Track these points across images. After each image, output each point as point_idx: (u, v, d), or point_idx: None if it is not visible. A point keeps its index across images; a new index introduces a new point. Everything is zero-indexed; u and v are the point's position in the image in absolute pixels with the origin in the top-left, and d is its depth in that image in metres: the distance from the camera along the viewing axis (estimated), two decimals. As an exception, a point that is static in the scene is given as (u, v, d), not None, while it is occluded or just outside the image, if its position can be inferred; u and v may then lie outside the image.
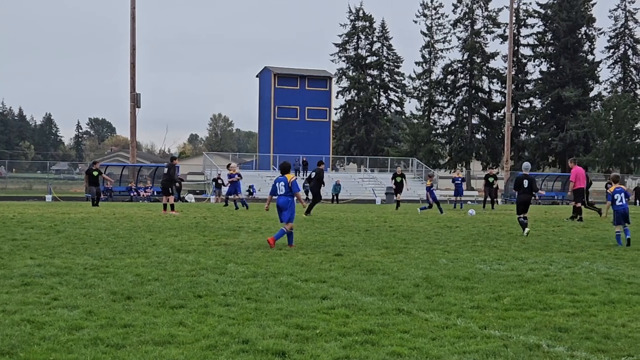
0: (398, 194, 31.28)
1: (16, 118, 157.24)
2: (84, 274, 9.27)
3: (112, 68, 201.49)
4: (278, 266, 10.37)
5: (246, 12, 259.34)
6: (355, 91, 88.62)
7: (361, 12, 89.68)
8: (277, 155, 62.50)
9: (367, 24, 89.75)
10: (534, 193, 17.11)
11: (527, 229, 16.87)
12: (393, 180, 31.60)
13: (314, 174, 25.34)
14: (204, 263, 10.63)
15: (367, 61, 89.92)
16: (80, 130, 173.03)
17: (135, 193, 48.27)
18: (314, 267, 10.31)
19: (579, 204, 22.99)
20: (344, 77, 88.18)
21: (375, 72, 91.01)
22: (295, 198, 13.40)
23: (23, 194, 53.30)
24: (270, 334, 6.04)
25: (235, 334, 6.03)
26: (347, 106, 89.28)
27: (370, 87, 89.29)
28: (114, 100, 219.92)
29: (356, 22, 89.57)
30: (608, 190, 14.85)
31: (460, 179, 34.11)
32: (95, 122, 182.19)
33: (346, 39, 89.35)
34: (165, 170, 25.73)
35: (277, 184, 13.58)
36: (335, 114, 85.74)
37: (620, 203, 14.51)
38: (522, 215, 16.93)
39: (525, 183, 16.80)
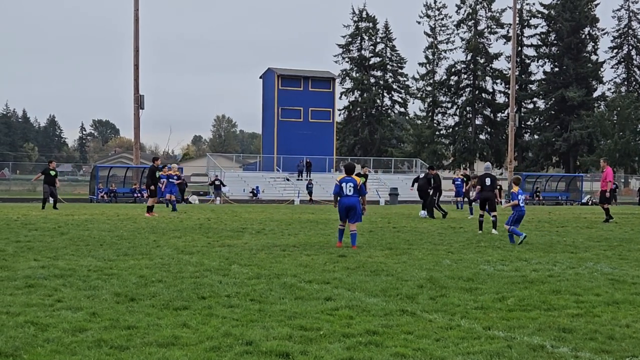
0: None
1: (20, 120, 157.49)
2: (88, 276, 9.27)
3: (115, 70, 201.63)
4: (282, 267, 10.37)
5: (249, 13, 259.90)
6: (359, 92, 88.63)
7: (364, 13, 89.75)
8: (281, 157, 62.43)
9: (371, 25, 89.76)
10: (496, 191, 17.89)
11: (494, 231, 17.38)
12: None
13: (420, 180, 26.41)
14: (208, 264, 10.64)
15: (370, 62, 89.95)
16: (84, 132, 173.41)
17: (138, 194, 48.32)
18: (317, 268, 10.31)
19: (607, 205, 23.58)
20: (347, 78, 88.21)
21: (378, 73, 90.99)
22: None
23: (27, 195, 53.34)
24: (274, 335, 6.04)
25: (239, 335, 6.02)
26: (351, 107, 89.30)
27: (373, 88, 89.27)
28: (118, 102, 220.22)
29: (359, 23, 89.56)
30: (512, 190, 15.12)
31: (460, 180, 33.48)
32: (99, 123, 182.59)
33: (349, 40, 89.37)
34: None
35: (343, 184, 13.59)
36: (339, 115, 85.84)
37: (523, 205, 14.96)
38: (483, 214, 17.77)
39: (488, 181, 17.69)
